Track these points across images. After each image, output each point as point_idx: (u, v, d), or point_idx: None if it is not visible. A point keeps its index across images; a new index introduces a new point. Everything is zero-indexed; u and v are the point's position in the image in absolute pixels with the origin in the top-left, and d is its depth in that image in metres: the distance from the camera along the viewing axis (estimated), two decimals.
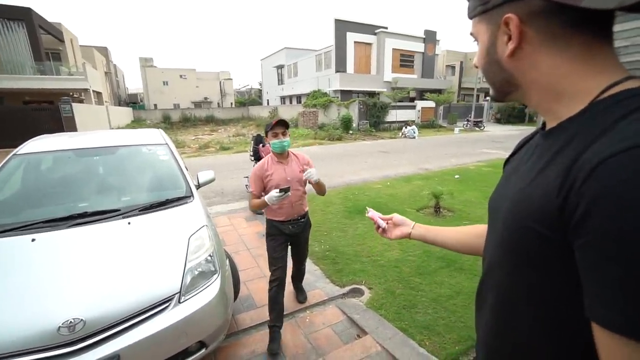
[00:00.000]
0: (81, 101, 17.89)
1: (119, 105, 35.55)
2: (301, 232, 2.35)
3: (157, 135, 3.13)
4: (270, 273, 2.27)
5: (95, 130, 3.50)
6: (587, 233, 0.38)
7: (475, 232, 0.84)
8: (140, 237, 1.93)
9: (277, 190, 2.00)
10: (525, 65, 0.50)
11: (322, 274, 3.18)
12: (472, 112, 23.16)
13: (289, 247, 2.38)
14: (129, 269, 1.68)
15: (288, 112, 25.94)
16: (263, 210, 2.28)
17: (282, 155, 2.23)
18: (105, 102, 24.55)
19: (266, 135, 2.22)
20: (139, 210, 2.13)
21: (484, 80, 0.66)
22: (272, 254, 2.28)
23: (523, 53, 0.49)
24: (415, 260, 3.31)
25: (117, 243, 1.85)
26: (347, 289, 2.89)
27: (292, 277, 2.72)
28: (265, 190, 2.19)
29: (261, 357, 2.12)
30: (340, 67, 23.46)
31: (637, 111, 0.40)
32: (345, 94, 22.42)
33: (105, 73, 29.77)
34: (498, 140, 15.26)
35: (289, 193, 2.04)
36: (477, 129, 21.41)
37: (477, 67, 0.62)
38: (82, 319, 1.38)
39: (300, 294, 2.77)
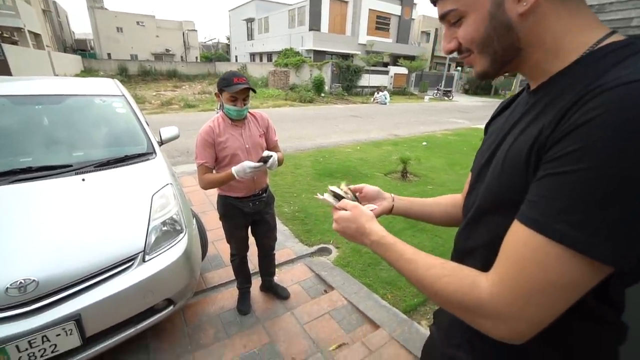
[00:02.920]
0: (14, 42, 15.53)
1: (64, 51, 31.57)
2: (264, 208, 2.01)
3: (111, 85, 2.82)
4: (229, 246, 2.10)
5: (37, 77, 3.07)
6: (555, 152, 0.43)
7: (452, 202, 0.88)
8: (98, 194, 1.79)
9: (252, 161, 1.65)
10: (533, 22, 0.50)
11: (291, 233, 3.23)
12: (443, 82, 23.49)
13: (250, 228, 2.07)
14: (86, 228, 1.58)
15: (258, 71, 24.60)
16: None
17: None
18: (47, 46, 21.61)
19: (219, 92, 1.73)
20: (94, 167, 1.96)
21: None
22: (230, 235, 2.02)
23: (532, 9, 0.49)
24: (381, 222, 3.39)
25: (70, 200, 1.70)
26: (315, 248, 2.98)
27: (260, 270, 2.29)
28: (217, 160, 1.78)
29: (230, 312, 2.16)
30: (315, 25, 22.28)
31: (627, 59, 0.44)
32: (319, 55, 21.58)
33: (43, 11, 25.85)
34: (465, 111, 15.75)
35: (269, 164, 1.68)
36: (446, 98, 21.87)
37: (451, 51, 0.59)
38: (34, 279, 1.30)
39: (278, 289, 2.32)
